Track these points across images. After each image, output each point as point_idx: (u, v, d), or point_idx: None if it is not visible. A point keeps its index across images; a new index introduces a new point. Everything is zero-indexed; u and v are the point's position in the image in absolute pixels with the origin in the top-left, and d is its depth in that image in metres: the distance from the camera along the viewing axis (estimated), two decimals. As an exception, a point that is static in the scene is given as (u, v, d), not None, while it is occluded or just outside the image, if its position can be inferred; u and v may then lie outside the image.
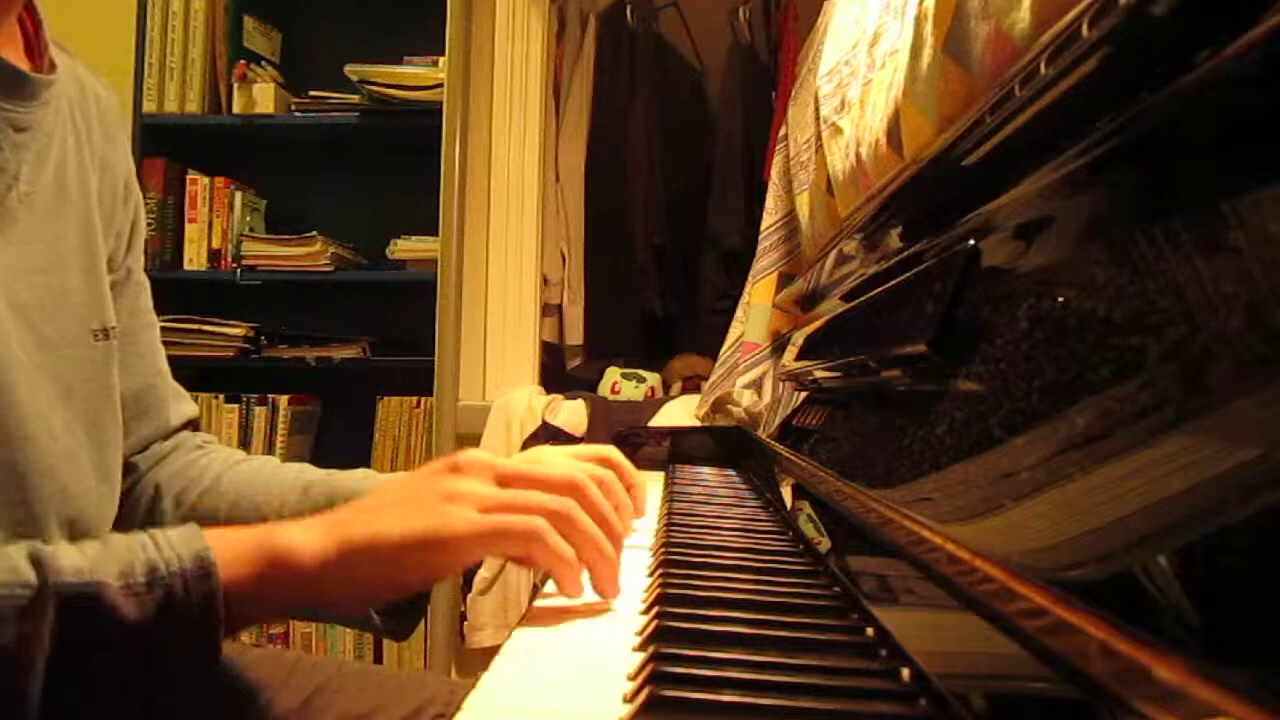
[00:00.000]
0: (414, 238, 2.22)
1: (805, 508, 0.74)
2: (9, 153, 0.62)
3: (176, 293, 2.22)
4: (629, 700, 0.38)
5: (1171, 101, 0.34)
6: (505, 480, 0.55)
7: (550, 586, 0.56)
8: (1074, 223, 0.42)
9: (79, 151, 0.70)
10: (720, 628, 0.46)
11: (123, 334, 0.74)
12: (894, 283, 0.68)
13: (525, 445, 1.91)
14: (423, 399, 2.21)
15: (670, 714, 0.36)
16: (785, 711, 0.36)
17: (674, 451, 1.28)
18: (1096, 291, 0.36)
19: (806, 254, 1.34)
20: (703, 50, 2.43)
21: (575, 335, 2.17)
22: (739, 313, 1.64)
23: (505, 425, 1.94)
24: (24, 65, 0.64)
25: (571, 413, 1.94)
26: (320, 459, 0.82)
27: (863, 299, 0.80)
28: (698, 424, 1.67)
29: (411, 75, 2.17)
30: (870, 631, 0.47)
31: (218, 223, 2.28)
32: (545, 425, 1.92)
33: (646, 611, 0.50)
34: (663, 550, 0.63)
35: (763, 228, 1.58)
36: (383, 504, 0.53)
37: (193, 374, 2.28)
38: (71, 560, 0.46)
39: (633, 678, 0.41)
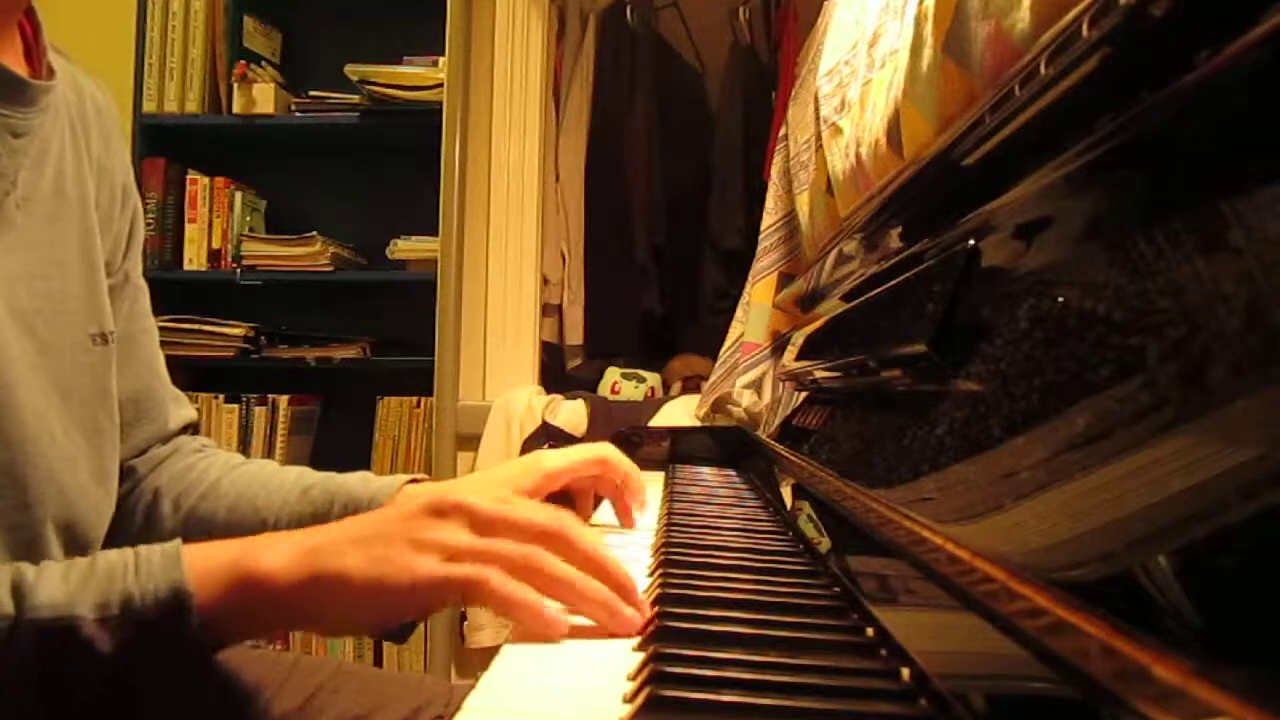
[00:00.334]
0: (414, 238, 2.22)
1: (805, 508, 0.74)
2: (7, 159, 0.62)
3: (176, 293, 2.22)
4: (629, 700, 0.38)
5: (1171, 101, 0.34)
6: (482, 526, 0.52)
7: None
8: (1074, 223, 0.42)
9: (77, 157, 0.70)
10: (720, 628, 0.46)
11: (121, 338, 0.74)
12: (894, 283, 0.68)
13: (525, 445, 1.91)
14: (423, 399, 2.21)
15: (670, 714, 0.36)
16: (785, 711, 0.36)
17: (674, 451, 1.28)
18: (1096, 291, 0.36)
19: (806, 254, 1.34)
20: (703, 50, 2.43)
21: (575, 335, 2.17)
22: (739, 313, 1.64)
23: (505, 425, 1.94)
24: (23, 71, 0.64)
25: (571, 413, 1.94)
26: (320, 459, 0.82)
27: (863, 299, 0.80)
28: (698, 424, 1.67)
29: (411, 75, 2.17)
30: (870, 631, 0.47)
31: (218, 223, 2.28)
32: (545, 425, 1.92)
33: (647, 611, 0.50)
34: (663, 550, 0.63)
35: (763, 228, 1.58)
36: (358, 535, 0.52)
37: (192, 374, 2.28)
38: (49, 592, 0.48)
39: (633, 678, 0.41)
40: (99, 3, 2.35)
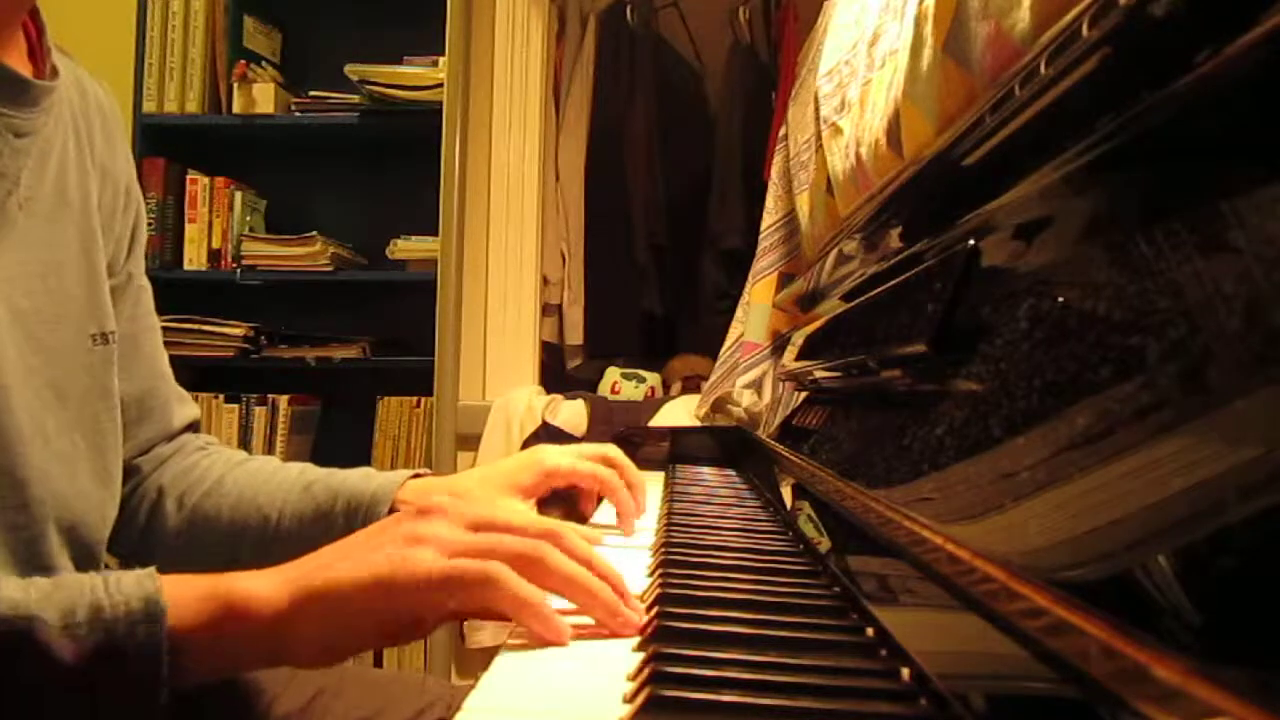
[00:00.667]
0: (414, 238, 2.22)
1: (805, 508, 0.74)
2: (9, 158, 0.62)
3: (176, 293, 2.22)
4: (629, 700, 0.38)
5: (1171, 101, 0.34)
6: (477, 527, 0.51)
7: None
8: (1073, 223, 0.42)
9: (80, 157, 0.70)
10: (720, 628, 0.46)
11: (124, 338, 0.74)
12: (894, 283, 0.68)
13: (525, 445, 1.91)
14: (423, 399, 2.21)
15: (670, 714, 0.36)
16: (785, 711, 0.36)
17: (674, 451, 1.28)
18: (1096, 291, 0.36)
19: (806, 254, 1.34)
20: (703, 50, 2.42)
21: (575, 335, 2.17)
22: (739, 313, 1.64)
23: (505, 425, 1.93)
24: (26, 71, 0.64)
25: (571, 413, 1.94)
26: (320, 459, 0.82)
27: (863, 299, 0.80)
28: (698, 424, 1.67)
29: (411, 75, 2.17)
30: (870, 631, 0.47)
31: (218, 223, 2.28)
32: (545, 425, 1.92)
33: (646, 611, 0.50)
34: (663, 550, 0.63)
35: (763, 228, 1.58)
36: (344, 551, 0.50)
37: (193, 374, 2.27)
38: (9, 594, 0.44)
39: (633, 678, 0.41)
40: (99, 3, 2.35)
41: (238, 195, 2.29)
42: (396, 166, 2.35)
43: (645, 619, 0.49)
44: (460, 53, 2.04)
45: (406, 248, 2.23)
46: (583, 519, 0.84)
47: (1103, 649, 0.26)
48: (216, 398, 2.26)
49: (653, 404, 1.98)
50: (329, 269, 2.24)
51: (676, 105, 2.30)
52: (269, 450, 2.23)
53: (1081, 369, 0.35)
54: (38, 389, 0.63)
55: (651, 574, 0.60)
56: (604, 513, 0.84)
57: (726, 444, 1.29)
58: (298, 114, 2.25)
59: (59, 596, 0.45)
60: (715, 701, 0.36)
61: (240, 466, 0.80)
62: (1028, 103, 0.47)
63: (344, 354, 2.25)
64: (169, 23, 2.27)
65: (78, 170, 0.69)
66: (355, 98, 2.21)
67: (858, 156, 0.89)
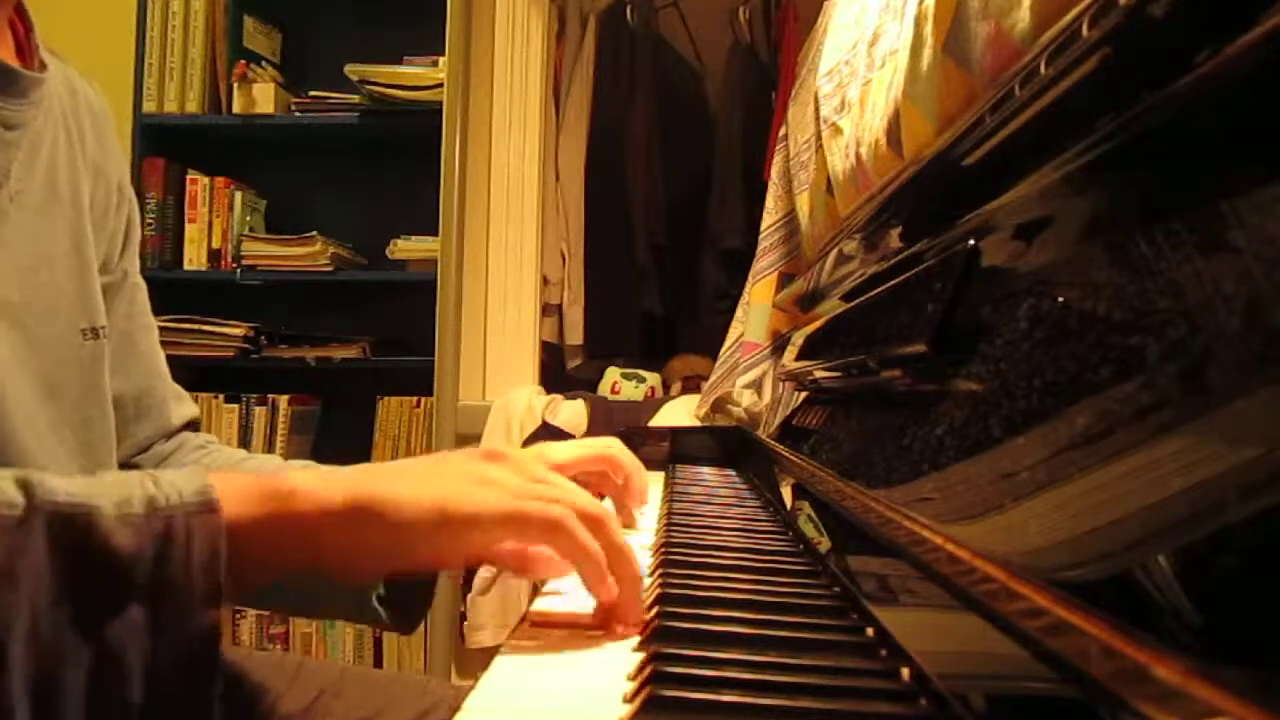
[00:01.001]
0: (414, 238, 2.22)
1: (805, 508, 0.74)
2: (0, 151, 0.62)
3: (176, 293, 2.22)
4: (629, 700, 0.38)
5: (1171, 101, 0.34)
6: (539, 482, 0.51)
7: (550, 586, 0.56)
8: (1073, 223, 0.42)
9: (70, 153, 0.70)
10: (720, 628, 0.46)
11: (121, 336, 0.74)
12: (894, 283, 0.68)
13: (525, 445, 1.90)
14: (423, 399, 2.21)
15: (670, 714, 0.36)
16: (785, 711, 0.36)
17: (674, 451, 1.28)
18: (1096, 291, 0.36)
19: (806, 254, 1.34)
20: (703, 50, 2.42)
21: (575, 335, 2.17)
22: (739, 313, 1.64)
23: (505, 425, 1.94)
24: (14, 65, 0.64)
25: (571, 413, 1.94)
26: (320, 459, 0.82)
27: (863, 299, 0.80)
28: (698, 424, 1.67)
29: (411, 75, 2.17)
30: (870, 631, 0.47)
31: (218, 223, 2.28)
32: (545, 425, 1.92)
33: (646, 611, 0.50)
34: (663, 550, 0.63)
35: (763, 228, 1.58)
36: (408, 470, 0.49)
37: (192, 374, 2.28)
38: (64, 484, 0.40)
39: (632, 678, 0.41)
40: (99, 3, 2.35)
41: (238, 195, 2.29)
42: (396, 166, 2.35)
43: (645, 619, 0.49)
44: (460, 53, 2.04)
45: (406, 248, 2.23)
46: None
47: (1103, 649, 0.26)
48: (216, 398, 2.26)
49: (653, 404, 1.98)
50: (329, 269, 2.24)
51: (676, 105, 2.30)
52: (269, 450, 2.23)
53: (1081, 369, 0.35)
54: (28, 383, 0.63)
55: (651, 574, 0.60)
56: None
57: (726, 444, 1.29)
58: (298, 114, 2.25)
59: (111, 488, 0.41)
60: (715, 701, 0.36)
61: (241, 464, 0.80)
62: (1028, 103, 0.48)
63: (344, 354, 2.25)
64: (169, 23, 2.27)
65: (68, 166, 0.69)
66: (355, 98, 2.21)
67: (858, 156, 0.89)
